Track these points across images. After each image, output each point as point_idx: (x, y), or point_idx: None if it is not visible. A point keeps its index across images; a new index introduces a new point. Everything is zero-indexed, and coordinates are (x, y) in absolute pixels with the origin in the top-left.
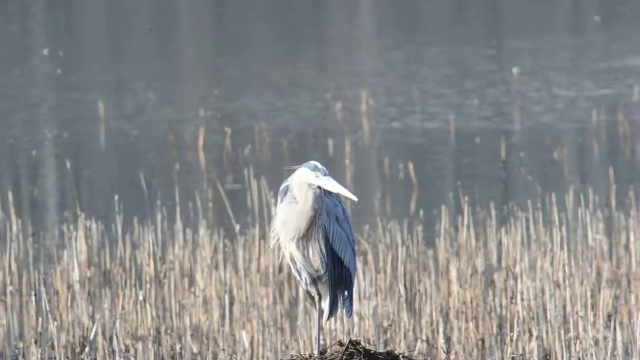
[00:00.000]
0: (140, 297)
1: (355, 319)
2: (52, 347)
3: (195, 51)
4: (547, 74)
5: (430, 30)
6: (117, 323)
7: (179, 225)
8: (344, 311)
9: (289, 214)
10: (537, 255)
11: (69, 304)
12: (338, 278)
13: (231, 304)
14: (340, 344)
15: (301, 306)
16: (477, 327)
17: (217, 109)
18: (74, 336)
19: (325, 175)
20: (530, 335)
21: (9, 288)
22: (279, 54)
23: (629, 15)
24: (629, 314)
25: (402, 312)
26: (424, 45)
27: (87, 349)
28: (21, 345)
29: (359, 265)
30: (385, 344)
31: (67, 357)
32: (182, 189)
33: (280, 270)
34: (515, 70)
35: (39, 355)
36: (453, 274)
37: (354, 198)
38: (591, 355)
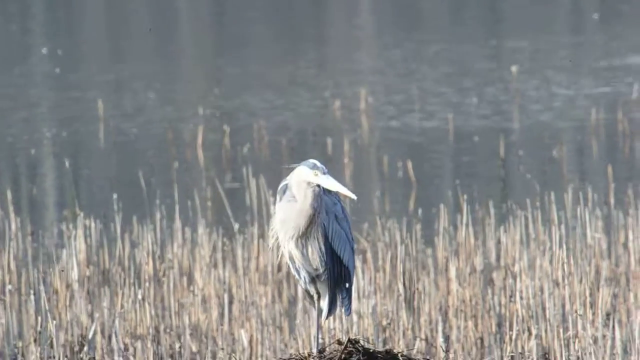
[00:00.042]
0: (139, 296)
1: (354, 317)
2: (51, 346)
3: (195, 50)
4: (546, 72)
5: (429, 29)
6: (116, 322)
7: (177, 224)
8: (343, 310)
9: (288, 212)
10: (536, 253)
11: (67, 303)
12: (337, 277)
13: (230, 302)
14: (339, 342)
15: (300, 305)
16: (476, 325)
17: (216, 108)
18: (72, 335)
19: (324, 173)
20: (529, 333)
21: (8, 287)
22: (278, 52)
23: (628, 13)
24: (628, 313)
25: (401, 310)
26: (423, 44)
27: (86, 348)
28: (20, 344)
29: (358, 263)
30: (384, 342)
31: (66, 356)
32: (181, 188)
33: (279, 269)
34: (514, 68)
35: (38, 354)
36: (452, 272)
37: (353, 196)
38: (590, 353)
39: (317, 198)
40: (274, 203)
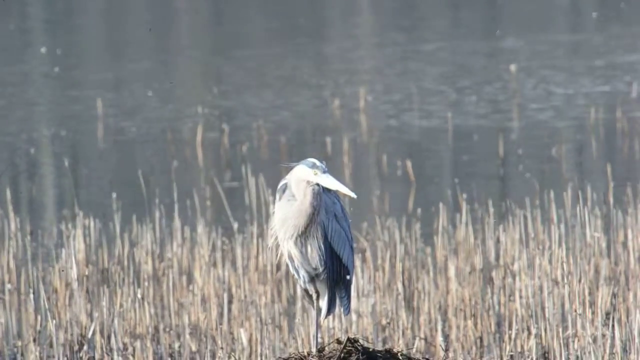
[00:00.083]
0: (139, 295)
1: (354, 316)
2: (51, 346)
3: (194, 49)
4: (544, 71)
5: (428, 28)
6: (116, 321)
7: (177, 223)
8: (342, 309)
9: (288, 211)
10: (536, 253)
11: (67, 302)
12: (336, 276)
13: (229, 302)
14: (339, 341)
15: (299, 304)
16: (475, 325)
17: (215, 107)
18: (72, 334)
19: (323, 172)
20: (529, 333)
21: (8, 286)
22: (277, 51)
23: (627, 12)
24: (627, 312)
25: (401, 309)
26: (422, 43)
27: (85, 347)
28: (20, 343)
29: (358, 263)
30: (384, 341)
31: (66, 356)
32: (180, 187)
33: (279, 268)
34: (512, 67)
35: (37, 354)
36: (451, 271)
37: (353, 195)
38: (589, 353)
39: (317, 197)
40: (274, 202)
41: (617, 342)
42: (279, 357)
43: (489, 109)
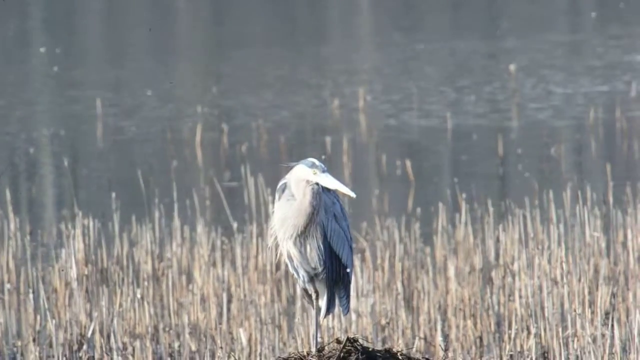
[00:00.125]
0: (138, 295)
1: (353, 316)
2: (50, 345)
3: (194, 49)
4: (544, 70)
5: (427, 28)
6: (115, 321)
7: (176, 222)
8: (341, 309)
9: (287, 211)
10: (535, 252)
11: (66, 302)
12: (335, 275)
13: (229, 301)
14: (338, 341)
15: (299, 304)
16: (475, 324)
17: (214, 106)
18: (71, 334)
19: (323, 171)
20: (528, 332)
21: (7, 286)
22: (276, 51)
23: (626, 12)
24: (627, 311)
25: (400, 309)
26: (422, 43)
27: (85, 347)
28: (19, 343)
29: (357, 262)
30: (383, 341)
31: (65, 355)
32: (179, 187)
33: (278, 267)
34: (512, 67)
35: (37, 354)
36: (451, 271)
37: (352, 195)
38: (589, 352)
39: (317, 196)
40: (273, 202)
41: (617, 342)
42: (279, 357)
43: (488, 109)
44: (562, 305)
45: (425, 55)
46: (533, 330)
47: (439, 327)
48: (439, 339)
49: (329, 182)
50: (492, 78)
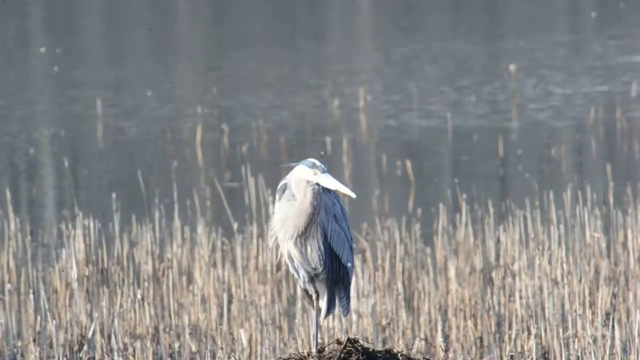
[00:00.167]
0: (139, 296)
1: (354, 317)
2: (51, 346)
3: (194, 49)
4: (544, 71)
5: (427, 28)
6: (116, 321)
7: (176, 223)
8: (341, 310)
9: (288, 211)
10: (535, 253)
11: (67, 302)
12: (336, 276)
13: (229, 302)
14: (339, 342)
15: (299, 304)
16: (475, 325)
17: (214, 107)
18: (72, 335)
19: (323, 172)
20: (529, 333)
21: (7, 286)
22: (277, 51)
23: (626, 12)
24: (627, 312)
25: (401, 310)
26: (422, 43)
27: (85, 348)
28: (20, 344)
29: (358, 263)
30: (384, 342)
31: (66, 356)
32: (180, 187)
33: (279, 268)
34: (512, 67)
35: (37, 354)
36: (451, 272)
37: (353, 195)
38: (589, 353)
39: (317, 196)
40: (273, 202)
41: (617, 343)
42: (279, 358)
43: (489, 109)
44: (562, 305)
45: (425, 55)
46: (533, 331)
47: (439, 327)
48: (439, 339)
49: (329, 182)
50: (492, 78)
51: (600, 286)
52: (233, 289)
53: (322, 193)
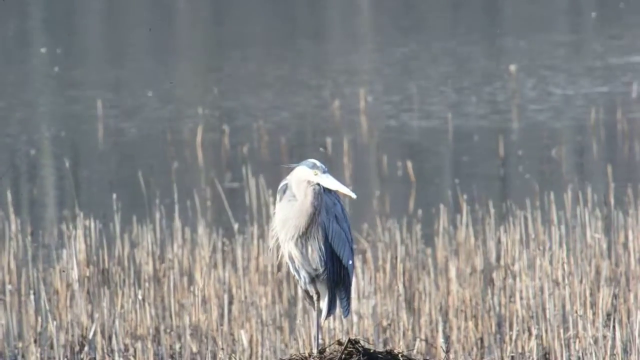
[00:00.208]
0: (139, 297)
1: (354, 318)
2: (52, 347)
3: (194, 49)
4: (544, 71)
5: (428, 29)
6: (116, 322)
7: (177, 224)
8: (341, 310)
9: (289, 212)
10: (536, 253)
11: (68, 303)
12: (336, 277)
13: (230, 303)
14: (339, 343)
15: (300, 305)
16: (476, 326)
17: (215, 107)
18: (73, 335)
19: (324, 172)
20: (530, 334)
21: (8, 287)
22: (277, 52)
23: (626, 12)
24: (628, 313)
25: (401, 311)
26: (422, 43)
27: (86, 349)
28: (20, 344)
29: (358, 264)
30: (385, 343)
31: (67, 357)
32: (180, 188)
33: (279, 269)
34: (512, 67)
35: (38, 355)
36: (452, 272)
37: (353, 195)
38: (590, 354)
39: (318, 196)
40: (274, 203)
41: (618, 343)
42: (280, 358)
43: (489, 110)
44: (563, 306)
45: (426, 55)
46: (534, 332)
47: (440, 328)
48: (440, 340)
49: (330, 182)
50: (492, 79)
51: (601, 287)
52: (234, 290)
53: (323, 193)
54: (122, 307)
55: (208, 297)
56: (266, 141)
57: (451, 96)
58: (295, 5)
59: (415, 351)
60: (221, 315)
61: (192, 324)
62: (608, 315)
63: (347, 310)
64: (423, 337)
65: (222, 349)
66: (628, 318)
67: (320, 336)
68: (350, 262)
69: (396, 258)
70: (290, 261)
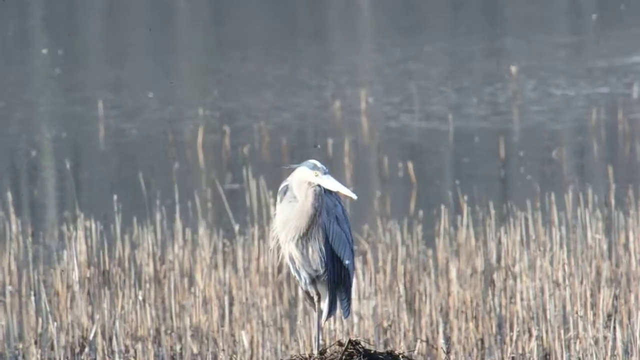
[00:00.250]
0: (140, 298)
1: (355, 319)
2: (52, 348)
3: (195, 50)
4: (545, 72)
5: (428, 29)
6: (117, 323)
7: (178, 225)
8: (342, 312)
9: (289, 213)
10: (537, 254)
11: (68, 304)
12: (337, 278)
13: (231, 304)
14: (340, 344)
15: (301, 306)
16: (476, 327)
17: (216, 108)
18: (73, 337)
19: (324, 173)
20: (530, 335)
21: (9, 288)
22: (277, 53)
23: (626, 13)
24: (629, 314)
25: (402, 312)
26: (422, 44)
27: (86, 350)
28: (21, 346)
29: (359, 265)
30: (385, 344)
31: (67, 358)
32: (181, 189)
33: (280, 270)
34: (513, 68)
35: (38, 356)
36: (453, 273)
37: (354, 196)
38: (591, 355)
39: (319, 197)
40: (275, 204)
41: (619, 344)
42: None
43: (490, 111)
44: (564, 307)
45: (426, 56)
46: (535, 333)
47: (440, 329)
48: (440, 341)
49: (331, 183)
50: (493, 79)
51: (601, 288)
52: (234, 291)
53: (323, 194)
54: (122, 308)
55: (209, 298)
56: (267, 142)
57: (452, 97)
58: (295, 5)
59: (416, 352)
60: (222, 316)
61: (193, 325)
62: (609, 316)
63: (347, 311)
64: (424, 338)
65: (223, 350)
66: (629, 319)
67: (320, 337)
68: (351, 263)
69: (397, 259)
70: (291, 262)
